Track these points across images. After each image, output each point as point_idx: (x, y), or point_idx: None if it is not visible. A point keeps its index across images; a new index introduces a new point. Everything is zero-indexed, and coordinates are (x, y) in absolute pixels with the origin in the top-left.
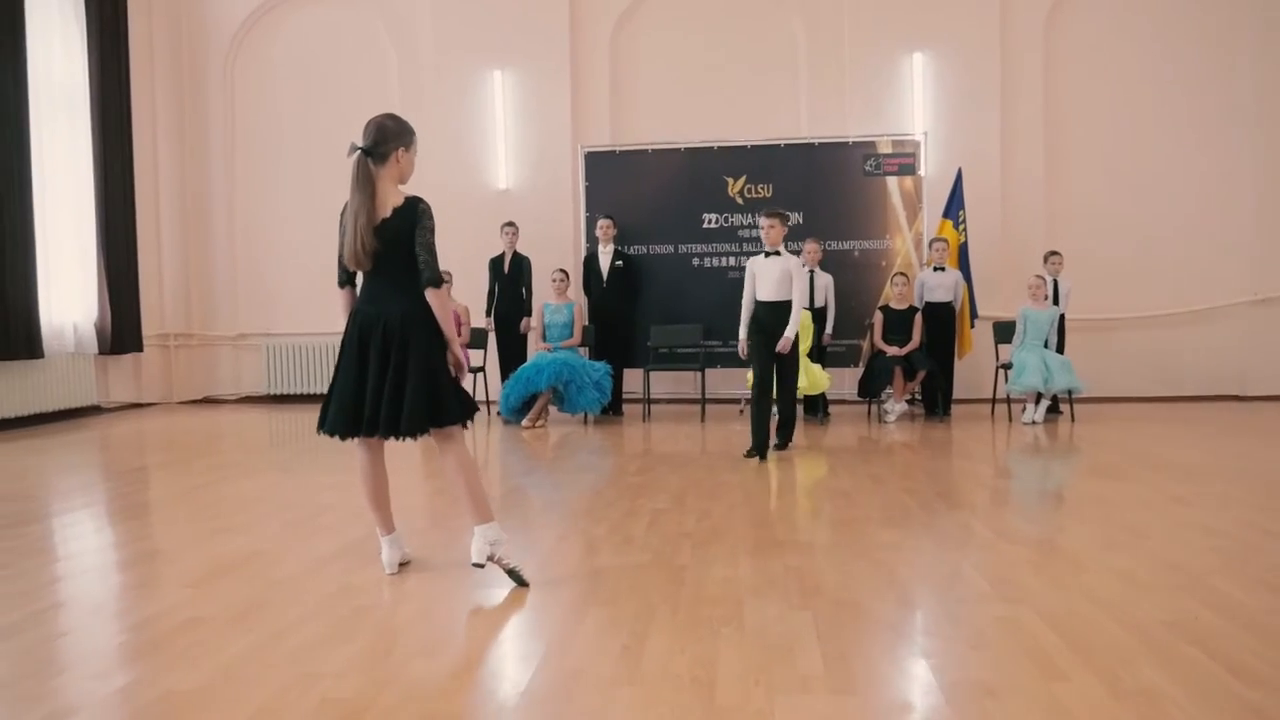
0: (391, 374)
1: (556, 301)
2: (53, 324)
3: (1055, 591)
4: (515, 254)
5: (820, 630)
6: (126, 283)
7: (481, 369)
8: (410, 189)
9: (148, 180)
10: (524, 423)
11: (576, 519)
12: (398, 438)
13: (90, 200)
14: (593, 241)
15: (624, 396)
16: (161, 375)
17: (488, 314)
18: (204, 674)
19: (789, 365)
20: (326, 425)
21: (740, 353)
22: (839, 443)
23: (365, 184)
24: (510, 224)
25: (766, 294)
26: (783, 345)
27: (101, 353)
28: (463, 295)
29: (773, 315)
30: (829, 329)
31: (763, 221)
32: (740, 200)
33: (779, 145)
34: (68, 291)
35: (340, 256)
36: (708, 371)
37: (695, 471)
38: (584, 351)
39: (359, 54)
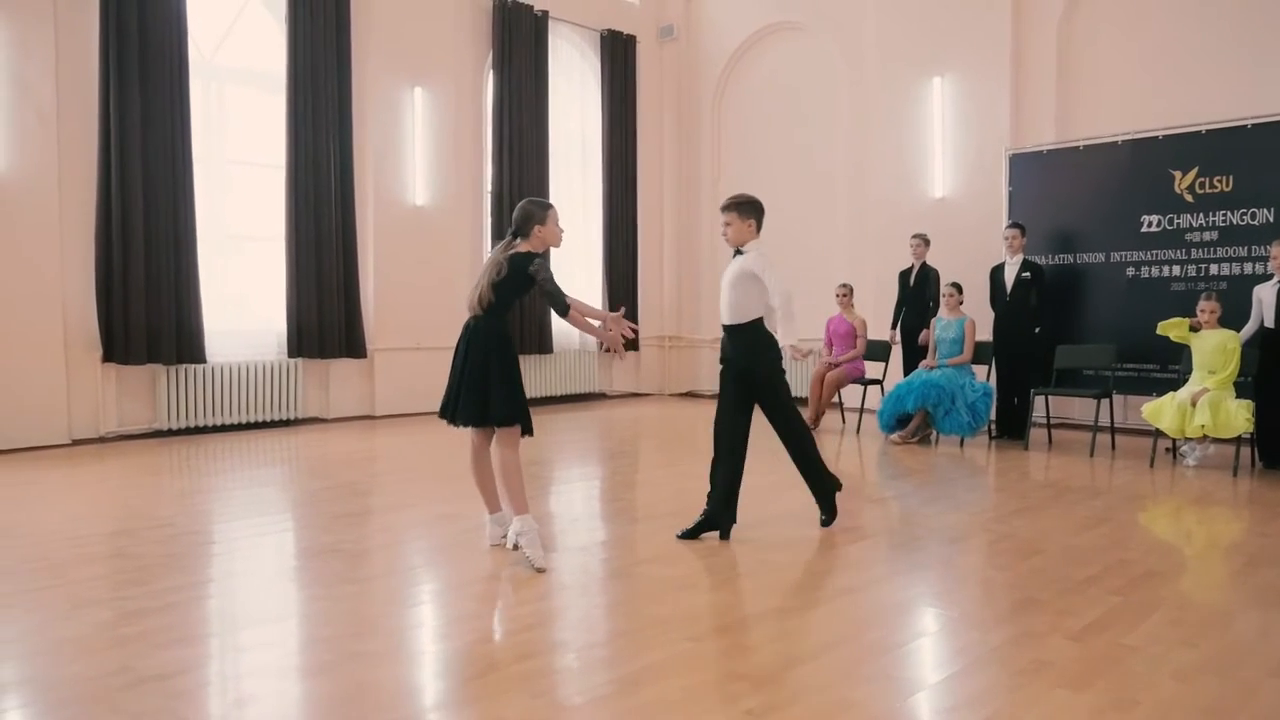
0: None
1: (948, 317)
2: (560, 326)
3: None
4: (923, 266)
5: None
6: (626, 295)
7: (878, 381)
8: (856, 202)
9: (651, 210)
10: (893, 436)
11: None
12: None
13: (598, 228)
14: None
15: (1032, 421)
16: (658, 370)
17: (893, 326)
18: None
19: (772, 410)
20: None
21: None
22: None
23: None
24: (918, 236)
25: (723, 312)
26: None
27: (602, 350)
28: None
29: (730, 342)
30: None
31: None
32: (1189, 198)
33: (1244, 126)
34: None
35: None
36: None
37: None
38: (979, 370)
39: (815, 78)
